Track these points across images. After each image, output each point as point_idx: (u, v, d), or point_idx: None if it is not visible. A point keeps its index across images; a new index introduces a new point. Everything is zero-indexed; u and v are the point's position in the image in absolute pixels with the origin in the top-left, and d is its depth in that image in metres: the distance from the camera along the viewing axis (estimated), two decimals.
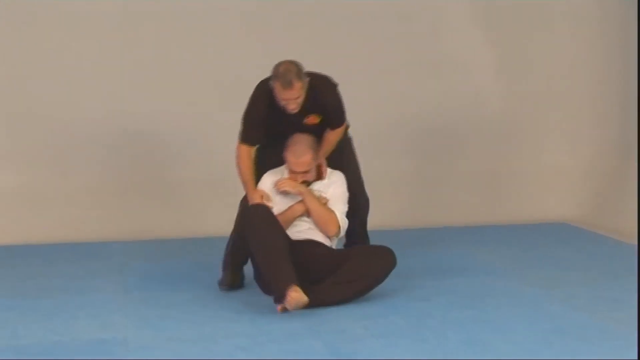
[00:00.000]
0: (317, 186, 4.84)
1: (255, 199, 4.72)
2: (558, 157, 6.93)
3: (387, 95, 6.62)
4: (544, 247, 5.95)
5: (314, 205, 4.76)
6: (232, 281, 4.97)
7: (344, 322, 4.36)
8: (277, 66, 4.69)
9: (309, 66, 4.82)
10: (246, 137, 4.84)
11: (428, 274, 5.26)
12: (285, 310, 4.48)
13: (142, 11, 6.28)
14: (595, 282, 5.05)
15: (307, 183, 4.82)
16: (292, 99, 4.68)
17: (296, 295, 4.40)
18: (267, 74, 4.79)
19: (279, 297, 4.47)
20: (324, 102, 4.82)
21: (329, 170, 4.93)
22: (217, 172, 6.09)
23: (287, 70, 4.64)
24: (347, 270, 4.57)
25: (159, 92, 6.36)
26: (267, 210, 4.63)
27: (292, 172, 4.78)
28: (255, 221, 4.54)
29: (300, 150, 4.74)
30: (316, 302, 4.50)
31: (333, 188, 4.87)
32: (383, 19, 6.60)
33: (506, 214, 6.73)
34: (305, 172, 4.78)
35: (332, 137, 4.95)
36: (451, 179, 6.80)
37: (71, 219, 6.31)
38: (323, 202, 4.81)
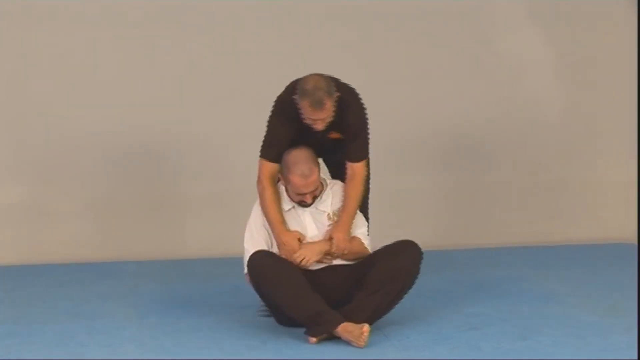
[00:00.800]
0: (321, 206, 4.64)
1: (290, 244, 4.53)
2: (622, 170, 6.72)
3: (426, 102, 6.47)
4: (605, 270, 5.79)
5: (346, 255, 4.60)
6: None
7: (383, 353, 4.22)
8: (305, 81, 4.45)
9: (342, 69, 4.60)
10: (271, 153, 4.61)
11: (476, 299, 5.09)
12: (321, 341, 4.37)
13: (152, 22, 6.23)
14: None
15: (312, 202, 4.63)
16: (321, 119, 4.45)
17: (354, 327, 4.29)
18: (287, 81, 4.65)
19: (319, 331, 4.36)
20: (350, 122, 4.59)
21: (329, 180, 4.74)
22: (237, 187, 5.97)
23: (316, 88, 4.40)
24: (375, 277, 4.43)
25: (172, 103, 6.29)
26: (270, 252, 4.56)
27: (298, 194, 4.57)
28: (265, 264, 4.46)
29: (307, 170, 4.51)
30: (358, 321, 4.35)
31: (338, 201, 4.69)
32: (424, 16, 6.42)
33: (562, 233, 6.61)
34: (315, 190, 4.58)
35: (357, 184, 4.61)
36: (497, 194, 6.65)
37: (78, 237, 6.24)
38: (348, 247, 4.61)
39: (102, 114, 6.22)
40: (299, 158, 4.51)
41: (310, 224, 4.61)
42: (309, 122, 4.47)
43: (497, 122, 6.57)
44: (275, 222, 4.56)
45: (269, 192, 4.58)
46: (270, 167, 4.60)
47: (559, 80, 6.63)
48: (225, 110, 6.25)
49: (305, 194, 4.55)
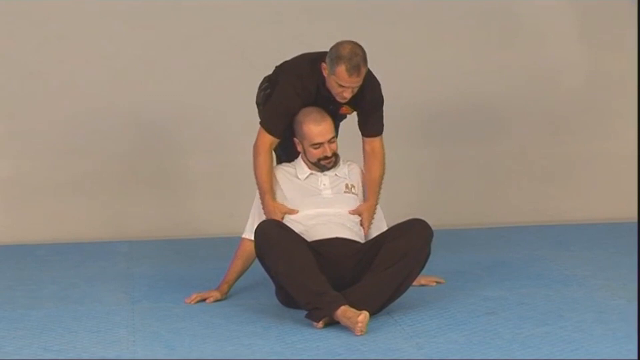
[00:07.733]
0: (340, 173, 4.81)
1: (275, 216, 4.69)
2: None
3: (442, 73, 6.50)
4: (632, 251, 5.71)
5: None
6: None
7: (392, 339, 4.21)
8: (341, 46, 4.57)
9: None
10: (276, 126, 4.73)
11: (493, 281, 5.10)
12: (327, 325, 4.38)
13: None
14: None
15: (333, 163, 4.76)
16: (355, 87, 4.58)
17: (353, 314, 4.28)
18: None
19: (319, 316, 4.38)
20: (374, 95, 4.74)
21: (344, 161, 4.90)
22: (238, 162, 5.88)
23: (353, 53, 4.54)
24: (382, 258, 4.48)
25: (169, 76, 6.34)
26: (279, 222, 4.65)
27: (316, 144, 4.68)
28: (271, 235, 4.52)
29: (320, 116, 4.67)
30: (362, 304, 4.35)
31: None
32: None
33: (585, 210, 6.60)
34: (332, 139, 4.70)
35: (380, 163, 4.84)
36: (516, 169, 6.66)
37: (65, 214, 6.28)
38: None
39: (91, 85, 6.25)
40: (309, 110, 4.66)
41: (326, 186, 4.75)
42: (337, 90, 4.58)
43: (516, 92, 6.58)
44: (263, 189, 4.72)
45: (262, 157, 4.72)
46: (271, 140, 4.73)
47: (579, 48, 6.61)
48: (223, 82, 6.27)
49: (322, 143, 4.66)
